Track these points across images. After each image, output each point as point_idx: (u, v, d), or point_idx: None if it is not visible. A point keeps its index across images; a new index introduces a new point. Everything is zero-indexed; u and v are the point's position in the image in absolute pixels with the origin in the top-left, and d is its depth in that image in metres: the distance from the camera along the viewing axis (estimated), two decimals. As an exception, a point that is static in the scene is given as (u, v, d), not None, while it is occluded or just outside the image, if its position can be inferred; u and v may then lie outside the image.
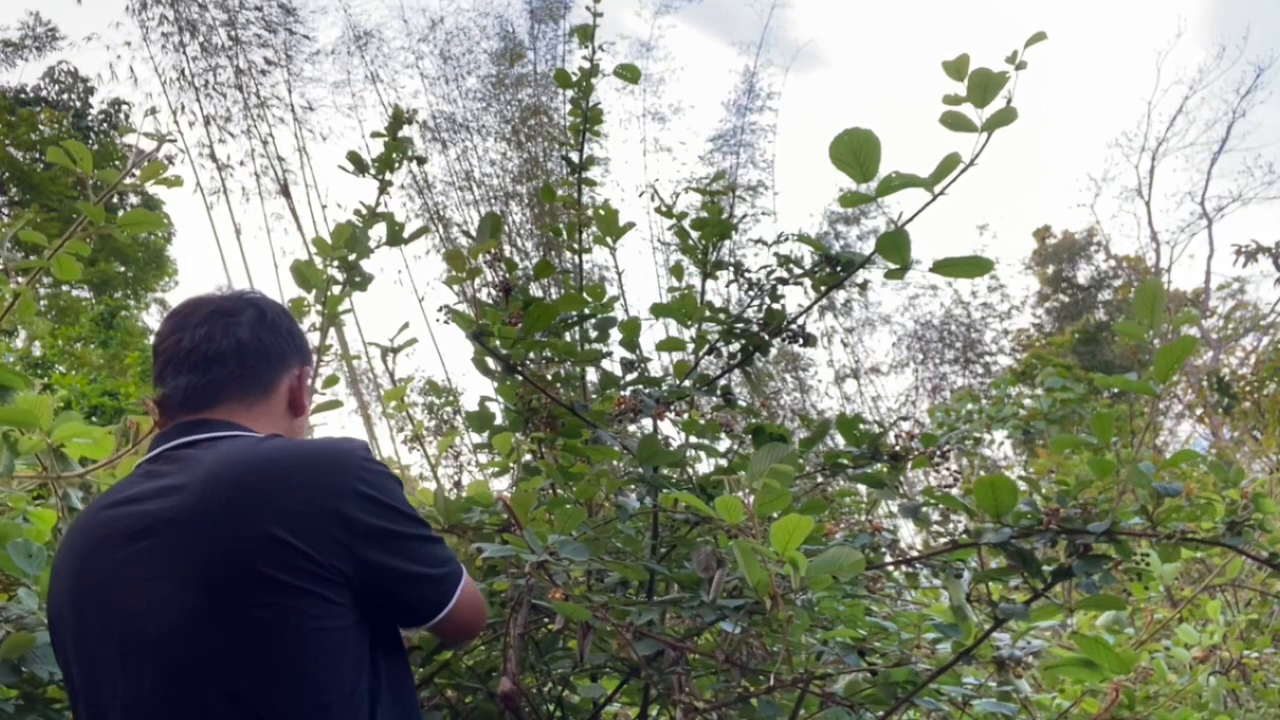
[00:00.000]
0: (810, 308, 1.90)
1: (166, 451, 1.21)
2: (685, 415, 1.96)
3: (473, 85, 12.54)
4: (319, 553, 1.09)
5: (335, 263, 2.13)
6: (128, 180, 1.69)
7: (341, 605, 1.12)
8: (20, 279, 1.79)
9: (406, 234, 2.19)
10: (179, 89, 11.16)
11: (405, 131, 2.23)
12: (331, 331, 2.17)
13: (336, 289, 2.14)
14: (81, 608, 1.15)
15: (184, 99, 11.15)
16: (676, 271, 2.12)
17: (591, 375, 2.12)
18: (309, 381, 1.40)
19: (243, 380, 1.27)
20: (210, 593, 1.07)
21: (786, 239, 1.95)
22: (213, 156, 11.11)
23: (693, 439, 1.93)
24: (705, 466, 2.04)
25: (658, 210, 2.21)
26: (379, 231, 2.16)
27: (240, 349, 1.28)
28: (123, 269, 17.74)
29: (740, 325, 1.93)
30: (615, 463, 2.01)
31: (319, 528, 1.10)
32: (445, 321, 1.89)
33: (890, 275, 1.67)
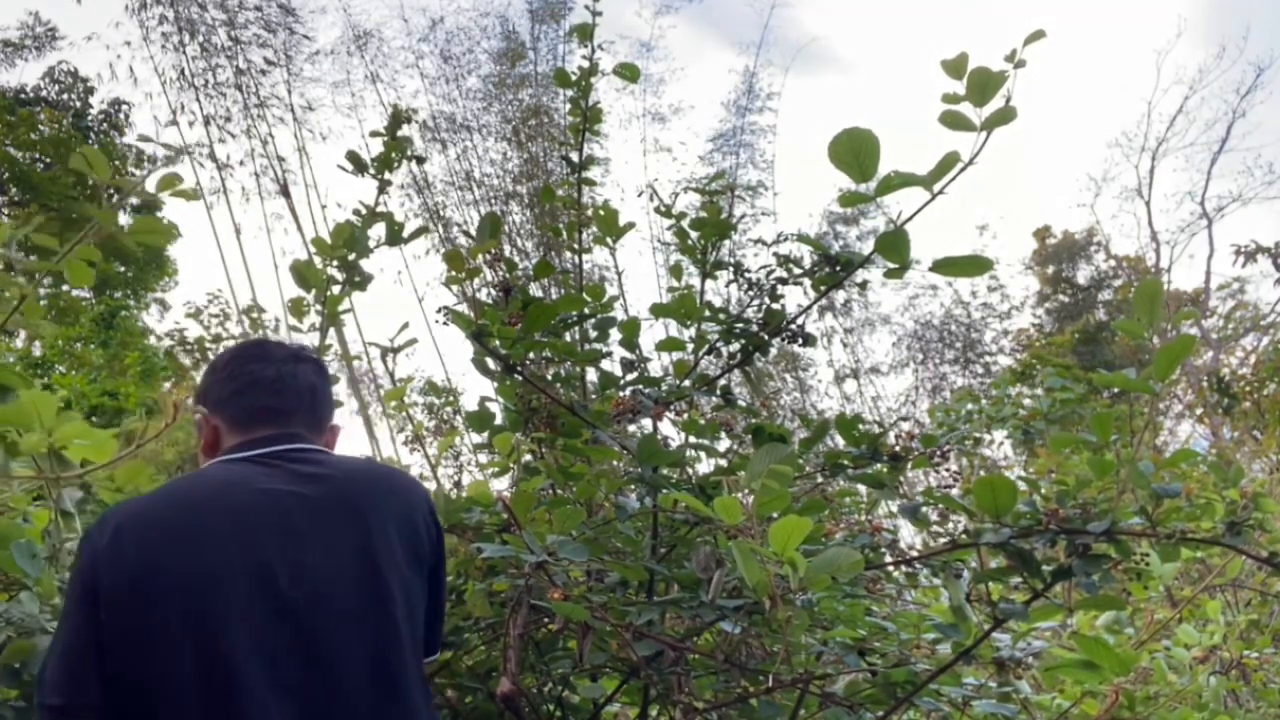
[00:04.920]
0: (810, 308, 1.90)
1: (284, 452, 1.41)
2: (685, 415, 1.96)
3: (473, 85, 12.51)
4: (425, 546, 1.40)
5: (335, 263, 2.13)
6: (143, 189, 1.69)
7: None
8: (26, 281, 1.78)
9: (406, 234, 2.19)
10: (179, 89, 11.14)
11: (404, 131, 2.23)
12: (331, 331, 2.17)
13: (336, 289, 2.14)
14: (249, 572, 1.26)
15: (184, 99, 11.13)
16: (676, 271, 2.12)
17: (591, 375, 2.12)
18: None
19: (309, 416, 1.50)
20: (358, 562, 1.30)
21: (786, 239, 1.95)
22: (213, 156, 11.08)
23: (693, 439, 1.93)
24: (705, 466, 2.04)
25: (657, 210, 2.20)
26: (378, 231, 2.16)
27: (313, 391, 1.52)
28: (123, 269, 17.70)
29: (740, 325, 1.93)
30: (615, 463, 2.01)
31: (422, 531, 1.40)
32: (445, 322, 1.89)
33: (890, 275, 1.67)
